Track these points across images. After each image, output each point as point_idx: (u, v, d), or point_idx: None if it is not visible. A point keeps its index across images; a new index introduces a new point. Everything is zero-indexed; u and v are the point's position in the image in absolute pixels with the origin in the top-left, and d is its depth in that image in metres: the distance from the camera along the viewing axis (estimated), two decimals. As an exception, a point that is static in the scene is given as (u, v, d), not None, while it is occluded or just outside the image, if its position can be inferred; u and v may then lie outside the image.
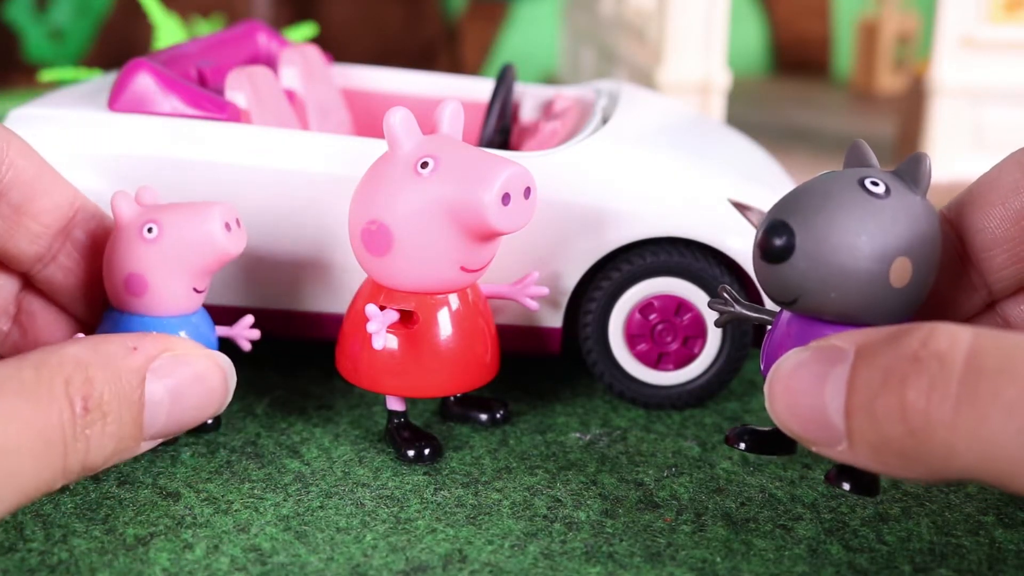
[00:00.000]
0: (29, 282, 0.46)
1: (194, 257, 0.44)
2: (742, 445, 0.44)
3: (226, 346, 0.47)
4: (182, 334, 0.44)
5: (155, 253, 0.43)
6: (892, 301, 0.38)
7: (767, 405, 0.37)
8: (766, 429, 0.42)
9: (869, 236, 0.37)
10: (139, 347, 0.38)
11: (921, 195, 0.38)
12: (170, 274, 0.44)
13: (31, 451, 0.34)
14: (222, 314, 0.50)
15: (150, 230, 0.43)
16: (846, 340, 0.35)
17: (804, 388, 0.35)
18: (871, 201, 0.37)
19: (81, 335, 0.43)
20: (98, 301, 0.46)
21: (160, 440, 0.39)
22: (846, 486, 0.40)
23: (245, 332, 0.48)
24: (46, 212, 0.44)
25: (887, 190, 0.38)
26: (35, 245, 0.44)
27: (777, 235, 0.37)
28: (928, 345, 0.32)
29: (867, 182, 0.38)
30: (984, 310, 0.43)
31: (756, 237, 0.38)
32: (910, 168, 0.39)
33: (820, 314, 0.39)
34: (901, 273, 0.37)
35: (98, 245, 0.46)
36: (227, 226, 0.44)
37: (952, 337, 0.32)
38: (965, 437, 0.31)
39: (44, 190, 0.44)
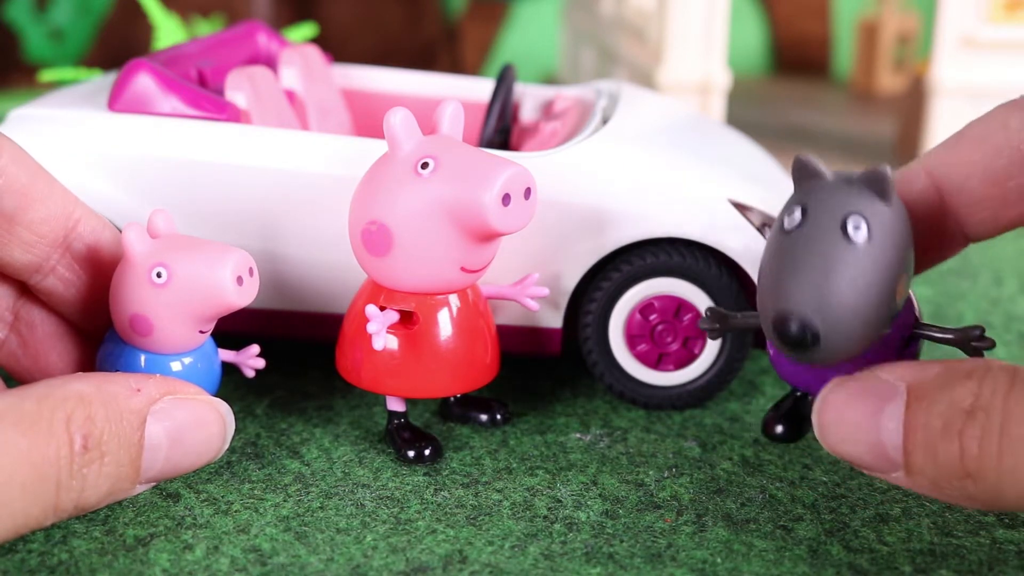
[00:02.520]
0: (28, 291, 0.45)
1: (201, 307, 0.42)
2: (779, 429, 0.44)
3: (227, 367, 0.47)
4: (186, 360, 0.44)
5: (161, 298, 0.42)
6: (896, 312, 0.39)
7: (816, 434, 0.39)
8: (789, 406, 0.44)
9: (878, 287, 0.37)
10: (142, 389, 0.38)
11: (890, 205, 0.38)
12: (176, 320, 0.42)
13: (23, 485, 0.34)
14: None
15: (159, 275, 0.42)
16: (894, 375, 0.37)
17: (857, 421, 0.38)
18: (863, 250, 0.37)
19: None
20: (101, 314, 0.45)
21: (154, 483, 0.39)
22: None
23: (250, 361, 0.47)
24: (41, 221, 0.42)
25: (868, 226, 0.37)
26: (29, 254, 0.43)
27: (797, 331, 0.36)
28: (980, 398, 0.35)
29: (850, 228, 0.37)
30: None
31: (770, 325, 0.37)
32: (877, 183, 0.38)
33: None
34: (903, 288, 0.39)
35: (101, 259, 0.45)
36: (239, 280, 0.42)
37: (995, 385, 0.35)
38: (1008, 479, 0.34)
39: (39, 198, 0.42)
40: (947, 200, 0.42)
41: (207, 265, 0.42)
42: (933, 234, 0.43)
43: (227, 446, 0.41)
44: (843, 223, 0.37)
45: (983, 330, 0.39)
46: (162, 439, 0.38)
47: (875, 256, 0.37)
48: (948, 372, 0.36)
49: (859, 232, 0.37)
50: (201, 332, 0.43)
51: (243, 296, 0.42)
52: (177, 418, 0.39)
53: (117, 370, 0.43)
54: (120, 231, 0.46)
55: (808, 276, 0.37)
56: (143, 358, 0.43)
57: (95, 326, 0.46)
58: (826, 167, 0.40)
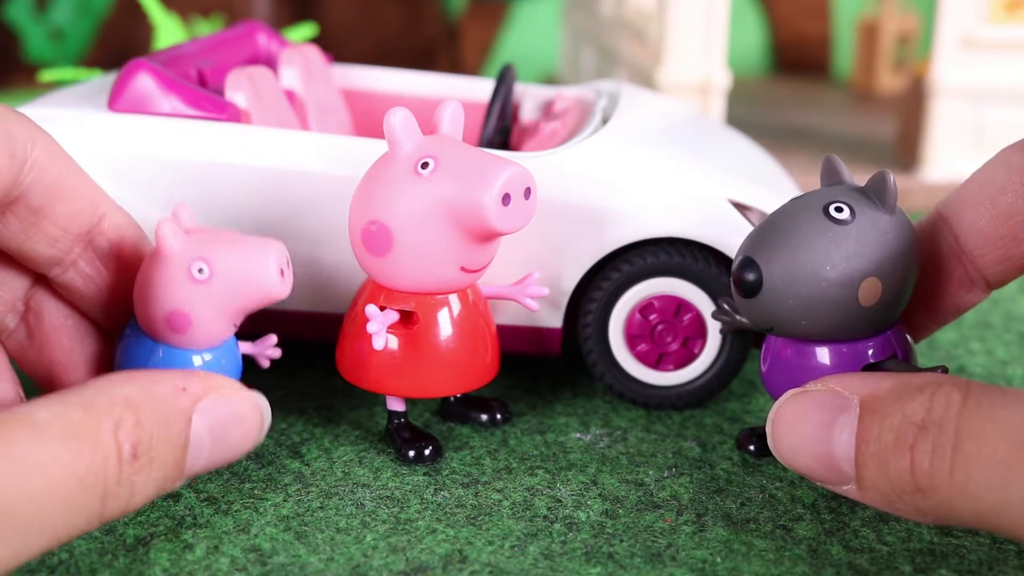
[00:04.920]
0: (42, 281, 0.45)
1: (244, 301, 0.42)
2: (752, 447, 0.46)
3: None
4: (207, 356, 0.43)
5: (204, 294, 0.41)
6: (865, 318, 0.40)
7: (770, 444, 0.40)
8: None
9: (833, 265, 0.39)
10: (187, 388, 0.38)
11: (888, 212, 0.40)
12: (216, 314, 0.42)
13: (66, 500, 0.33)
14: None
15: (201, 271, 0.41)
16: (847, 387, 0.38)
17: (809, 434, 0.38)
18: (835, 228, 0.39)
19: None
20: (118, 310, 0.45)
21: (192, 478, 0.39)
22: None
23: (267, 351, 0.47)
24: (67, 216, 0.42)
25: (852, 213, 0.39)
26: (53, 248, 0.42)
27: (745, 272, 0.39)
28: (931, 412, 0.35)
29: (831, 208, 0.39)
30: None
31: (731, 271, 0.40)
32: (876, 186, 0.40)
33: (798, 337, 0.41)
34: (870, 293, 0.39)
35: (123, 255, 0.44)
36: (281, 272, 0.42)
37: (947, 401, 0.35)
38: (959, 494, 0.34)
39: (67, 193, 0.42)
40: (962, 243, 0.43)
41: (250, 258, 0.42)
42: (953, 280, 0.43)
43: (263, 438, 0.41)
44: (827, 204, 0.39)
45: (945, 370, 0.40)
46: (205, 438, 0.38)
47: (844, 241, 0.39)
48: (901, 386, 0.36)
49: (839, 214, 0.39)
50: (234, 325, 0.43)
51: (285, 287, 0.42)
52: (219, 415, 0.38)
53: (139, 366, 0.43)
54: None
55: (774, 233, 0.40)
56: (161, 352, 0.43)
57: (112, 322, 0.46)
58: (849, 172, 0.42)
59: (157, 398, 0.36)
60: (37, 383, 0.46)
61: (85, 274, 0.44)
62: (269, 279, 0.42)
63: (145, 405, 0.36)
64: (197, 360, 0.43)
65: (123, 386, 0.36)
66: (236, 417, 0.39)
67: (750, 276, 0.39)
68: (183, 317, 0.42)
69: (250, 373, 0.50)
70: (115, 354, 0.45)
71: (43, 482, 0.32)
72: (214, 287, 0.41)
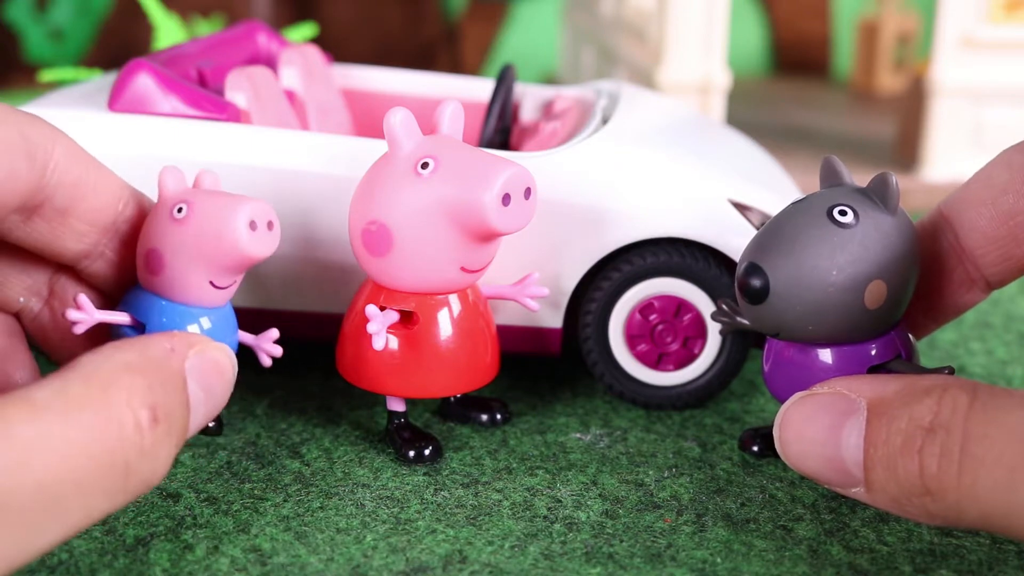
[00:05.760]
0: (66, 267, 0.45)
1: (211, 250, 0.42)
2: (755, 448, 0.46)
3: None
4: (204, 321, 0.43)
5: (177, 234, 0.42)
6: (870, 321, 0.40)
7: (778, 448, 0.40)
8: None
9: (840, 269, 0.39)
10: (174, 348, 0.37)
11: (891, 213, 0.40)
12: (186, 259, 0.42)
13: (78, 480, 0.31)
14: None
15: (180, 210, 0.42)
16: (854, 390, 0.38)
17: (817, 437, 0.38)
18: (840, 232, 0.39)
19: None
20: None
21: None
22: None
23: (267, 345, 0.46)
24: (93, 211, 0.42)
25: (856, 216, 0.39)
26: (81, 243, 0.43)
27: (752, 279, 0.39)
28: (939, 415, 0.35)
29: (835, 212, 0.39)
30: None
31: (736, 277, 0.40)
32: (878, 188, 0.40)
33: (804, 342, 0.40)
34: (876, 296, 0.39)
35: None
36: (252, 225, 0.42)
37: (954, 404, 0.35)
38: (967, 497, 0.34)
39: (91, 190, 0.42)
40: (962, 243, 0.43)
41: (224, 207, 0.42)
42: (953, 279, 0.44)
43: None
44: (831, 208, 0.39)
45: (952, 370, 0.40)
46: (200, 394, 0.37)
47: (849, 246, 0.39)
48: (907, 388, 0.36)
49: (843, 218, 0.39)
50: (215, 286, 0.43)
51: (256, 244, 0.42)
52: (205, 370, 0.38)
53: (143, 318, 0.43)
54: None
55: (779, 238, 0.39)
56: (164, 307, 0.43)
57: None
58: (849, 173, 0.42)
59: (156, 361, 0.35)
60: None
61: (112, 261, 0.44)
62: (236, 230, 0.42)
63: (149, 369, 0.34)
64: (193, 328, 0.43)
65: (120, 353, 0.34)
66: (217, 369, 0.39)
67: (756, 283, 0.39)
68: (157, 256, 0.42)
69: (250, 372, 0.50)
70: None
71: (47, 464, 0.30)
72: (187, 229, 0.42)
